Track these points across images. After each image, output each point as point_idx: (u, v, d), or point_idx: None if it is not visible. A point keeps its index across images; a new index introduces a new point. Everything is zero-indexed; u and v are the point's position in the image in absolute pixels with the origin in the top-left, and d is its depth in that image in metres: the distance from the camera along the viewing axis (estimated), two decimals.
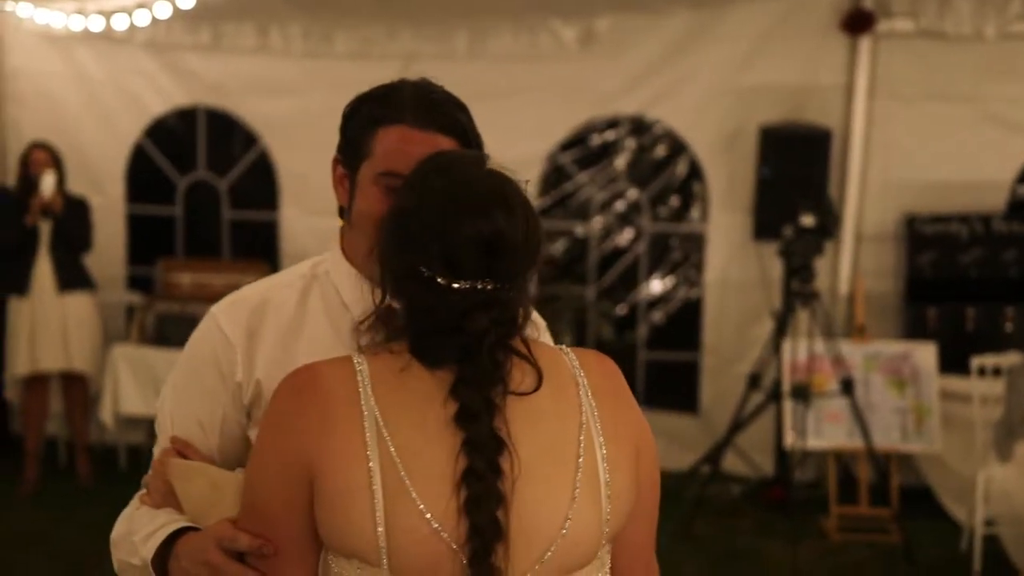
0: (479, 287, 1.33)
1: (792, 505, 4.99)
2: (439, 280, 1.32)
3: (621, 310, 6.70)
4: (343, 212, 1.61)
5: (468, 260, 1.32)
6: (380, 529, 1.26)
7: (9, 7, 5.88)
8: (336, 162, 1.60)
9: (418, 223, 1.35)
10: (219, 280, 6.04)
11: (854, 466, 5.52)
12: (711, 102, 5.92)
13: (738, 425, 5.30)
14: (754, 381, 5.29)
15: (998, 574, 4.58)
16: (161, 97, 6.33)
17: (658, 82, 5.95)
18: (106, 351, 5.76)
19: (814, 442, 5.20)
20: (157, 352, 5.59)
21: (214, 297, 1.72)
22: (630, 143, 6.42)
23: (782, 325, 5.20)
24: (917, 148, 5.76)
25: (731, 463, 5.65)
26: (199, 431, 1.59)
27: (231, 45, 6.13)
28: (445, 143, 1.50)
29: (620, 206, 6.67)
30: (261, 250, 6.37)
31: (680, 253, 6.72)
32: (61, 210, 5.49)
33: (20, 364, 5.59)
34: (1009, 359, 4.90)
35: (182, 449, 1.58)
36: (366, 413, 1.30)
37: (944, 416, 5.28)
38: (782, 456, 5.49)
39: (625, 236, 6.72)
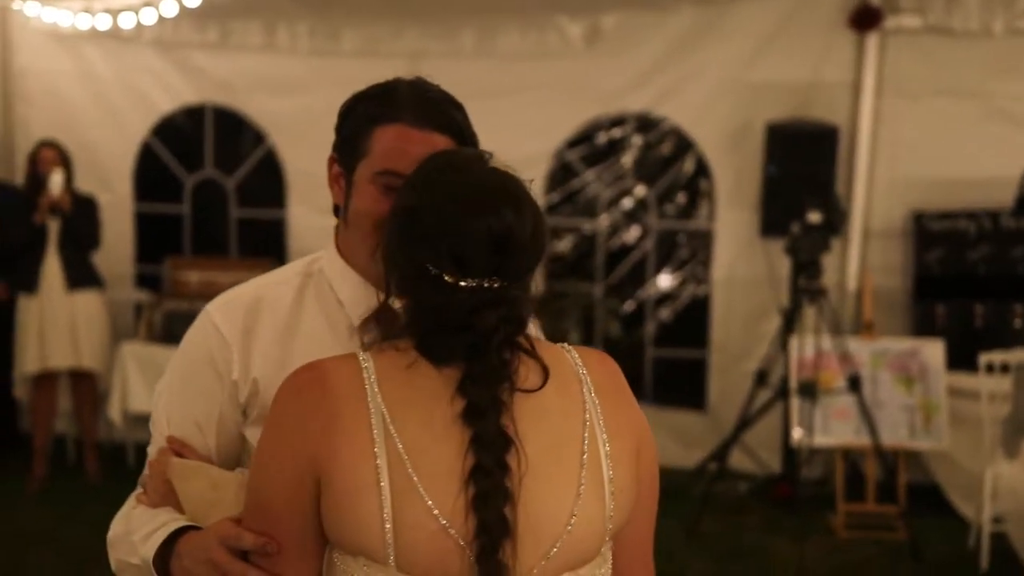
0: (486, 285, 1.33)
1: (799, 502, 4.99)
2: (446, 278, 1.33)
3: (628, 307, 6.71)
4: (338, 211, 1.61)
5: (477, 257, 1.32)
6: (388, 526, 1.26)
7: (16, 6, 5.90)
8: (332, 161, 1.59)
9: (426, 221, 1.35)
10: (227, 278, 6.04)
11: (861, 463, 5.51)
12: (718, 99, 5.91)
13: (745, 422, 5.30)
14: (761, 378, 5.28)
15: (1006, 571, 4.57)
16: (168, 95, 6.35)
17: (665, 79, 5.95)
18: (114, 349, 5.79)
19: (821, 439, 5.19)
20: (165, 350, 5.60)
21: None
22: (637, 140, 6.42)
23: (789, 322, 5.19)
24: (925, 144, 5.74)
25: (738, 460, 5.65)
26: (196, 431, 1.58)
27: (238, 43, 6.15)
28: (442, 142, 1.50)
29: (627, 203, 6.67)
30: (269, 248, 6.37)
31: (687, 250, 6.72)
32: (69, 208, 5.51)
33: (29, 362, 5.62)
34: (1017, 356, 4.88)
35: (179, 449, 1.57)
36: (373, 410, 1.30)
37: (952, 413, 5.27)
38: (789, 453, 5.49)
39: (632, 233, 6.72)
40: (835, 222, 5.25)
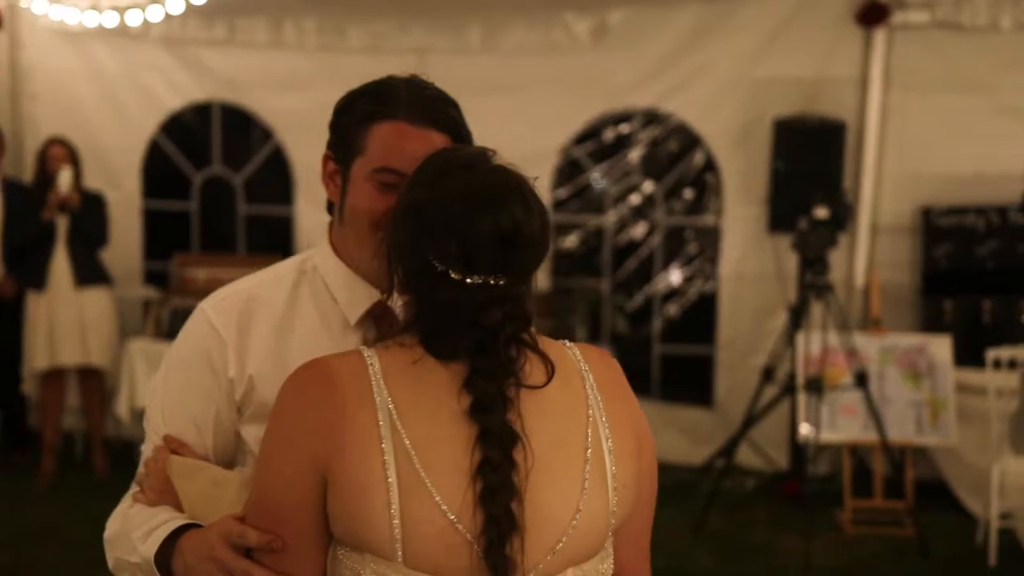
0: (492, 282, 1.33)
1: (806, 498, 4.98)
2: (453, 275, 1.33)
3: (636, 303, 6.70)
4: (332, 207, 1.61)
5: (485, 255, 1.32)
6: (396, 522, 1.27)
7: (24, 4, 5.91)
8: (327, 158, 1.59)
9: (433, 218, 1.34)
10: (234, 275, 5.94)
11: (869, 459, 5.50)
12: (725, 95, 5.91)
13: (752, 418, 5.29)
14: (768, 374, 5.28)
15: (1014, 567, 4.57)
16: (176, 92, 6.36)
17: (672, 75, 5.95)
18: (122, 346, 5.80)
19: (829, 435, 5.19)
20: None
21: None
22: (644, 136, 6.42)
23: (797, 318, 5.18)
24: (932, 140, 5.73)
25: (745, 456, 5.64)
26: (194, 429, 1.58)
27: (245, 40, 6.16)
28: (439, 139, 1.50)
29: (635, 199, 6.67)
30: (276, 245, 6.38)
31: (695, 246, 6.72)
32: (78, 205, 5.53)
33: (38, 358, 5.64)
34: None
35: (177, 448, 1.56)
36: (379, 406, 1.30)
37: (959, 409, 5.26)
38: (796, 449, 5.49)
39: (640, 229, 6.72)
40: (842, 218, 5.25)
